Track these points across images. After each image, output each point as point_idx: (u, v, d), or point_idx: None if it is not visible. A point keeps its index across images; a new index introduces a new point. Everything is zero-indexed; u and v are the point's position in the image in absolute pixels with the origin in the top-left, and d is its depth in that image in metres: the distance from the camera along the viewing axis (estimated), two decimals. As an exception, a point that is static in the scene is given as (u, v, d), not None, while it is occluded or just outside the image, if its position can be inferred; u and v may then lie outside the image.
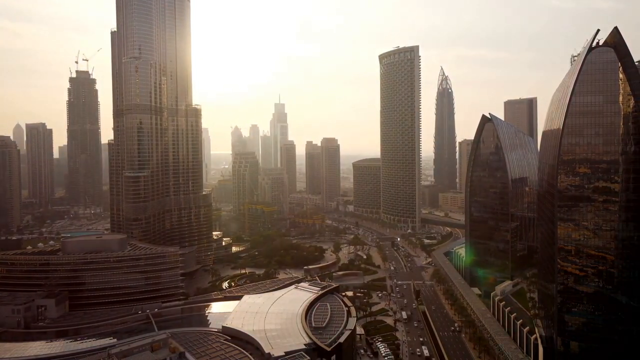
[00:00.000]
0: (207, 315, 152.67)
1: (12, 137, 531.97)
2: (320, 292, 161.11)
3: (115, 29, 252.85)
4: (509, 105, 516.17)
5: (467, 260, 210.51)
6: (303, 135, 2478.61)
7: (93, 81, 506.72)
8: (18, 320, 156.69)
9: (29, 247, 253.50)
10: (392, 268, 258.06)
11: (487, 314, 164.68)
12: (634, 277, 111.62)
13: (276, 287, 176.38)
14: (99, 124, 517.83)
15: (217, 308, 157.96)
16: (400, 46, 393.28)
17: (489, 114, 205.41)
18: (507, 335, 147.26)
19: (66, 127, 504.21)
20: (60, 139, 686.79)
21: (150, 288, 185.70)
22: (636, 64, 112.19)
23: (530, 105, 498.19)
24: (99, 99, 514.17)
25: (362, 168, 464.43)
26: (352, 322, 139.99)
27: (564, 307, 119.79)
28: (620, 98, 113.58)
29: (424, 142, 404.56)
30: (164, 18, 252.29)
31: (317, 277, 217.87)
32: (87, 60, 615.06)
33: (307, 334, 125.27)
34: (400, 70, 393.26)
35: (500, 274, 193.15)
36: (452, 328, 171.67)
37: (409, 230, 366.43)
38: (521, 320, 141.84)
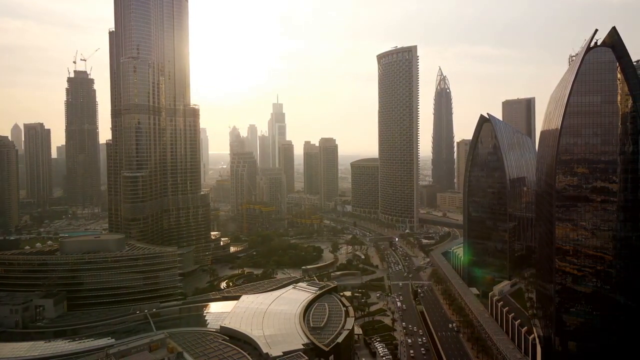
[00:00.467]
0: (205, 315, 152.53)
1: (10, 137, 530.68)
2: (319, 292, 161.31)
3: (114, 29, 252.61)
4: (507, 105, 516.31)
5: (465, 260, 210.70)
6: (301, 135, 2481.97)
7: (91, 81, 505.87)
8: (16, 320, 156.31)
9: (27, 247, 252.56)
10: (390, 268, 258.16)
11: (485, 314, 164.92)
12: (632, 277, 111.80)
13: (274, 287, 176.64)
14: (97, 124, 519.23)
15: (215, 308, 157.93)
16: (399, 46, 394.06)
17: (487, 113, 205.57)
18: (505, 335, 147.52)
19: (64, 127, 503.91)
20: (58, 139, 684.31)
21: (149, 288, 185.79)
22: (634, 63, 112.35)
23: (528, 105, 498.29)
24: (97, 99, 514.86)
25: (360, 168, 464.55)
26: (350, 322, 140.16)
27: (562, 307, 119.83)
28: (619, 98, 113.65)
29: (422, 142, 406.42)
30: (162, 18, 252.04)
31: (315, 277, 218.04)
32: (85, 60, 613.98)
33: (305, 334, 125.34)
34: (398, 70, 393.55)
35: (498, 274, 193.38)
36: (451, 325, 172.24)
37: (407, 230, 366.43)
38: (519, 320, 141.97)
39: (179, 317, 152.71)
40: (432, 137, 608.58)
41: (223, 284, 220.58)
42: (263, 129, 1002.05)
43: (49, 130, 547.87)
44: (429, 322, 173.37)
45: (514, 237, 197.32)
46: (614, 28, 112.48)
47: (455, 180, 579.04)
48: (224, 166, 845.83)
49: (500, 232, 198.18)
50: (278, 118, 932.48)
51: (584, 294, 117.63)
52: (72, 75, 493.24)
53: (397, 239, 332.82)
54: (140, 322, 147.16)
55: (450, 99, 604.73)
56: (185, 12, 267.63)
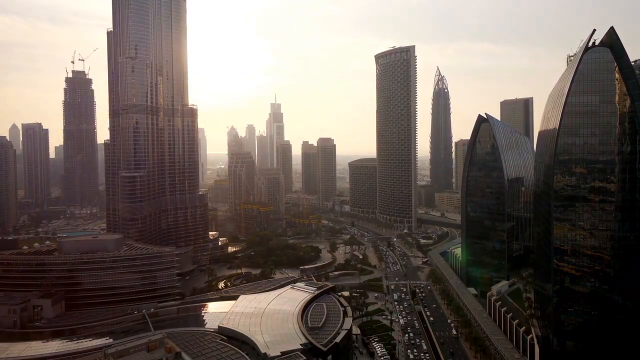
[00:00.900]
0: (203, 315, 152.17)
1: (8, 137, 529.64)
2: (317, 292, 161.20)
3: (112, 29, 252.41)
4: (505, 105, 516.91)
5: (463, 260, 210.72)
6: (299, 135, 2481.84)
7: (89, 81, 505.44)
8: (14, 320, 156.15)
9: (25, 247, 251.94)
10: (388, 268, 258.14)
11: (484, 314, 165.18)
12: (630, 277, 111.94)
13: (272, 287, 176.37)
14: (95, 124, 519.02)
15: (213, 308, 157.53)
16: (397, 46, 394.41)
17: (485, 113, 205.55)
18: (503, 335, 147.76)
19: (62, 127, 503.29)
20: (56, 139, 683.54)
21: (147, 288, 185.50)
22: (632, 63, 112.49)
23: (526, 105, 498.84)
24: (95, 99, 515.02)
25: (358, 168, 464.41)
26: (349, 322, 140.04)
27: (560, 307, 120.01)
28: (617, 98, 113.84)
29: (420, 142, 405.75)
30: (160, 18, 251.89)
31: (313, 277, 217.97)
32: (84, 60, 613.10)
33: (304, 334, 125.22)
34: (396, 70, 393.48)
35: (496, 274, 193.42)
36: (449, 322, 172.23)
37: (405, 230, 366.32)
38: (517, 320, 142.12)
39: (177, 317, 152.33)
40: (430, 137, 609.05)
41: (221, 284, 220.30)
42: (261, 129, 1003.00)
43: (47, 130, 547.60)
44: (427, 322, 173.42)
45: (512, 237, 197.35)
46: (612, 28, 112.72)
47: (454, 180, 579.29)
48: (222, 166, 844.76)
49: (499, 232, 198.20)
50: (276, 118, 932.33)
51: (582, 294, 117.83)
52: (70, 75, 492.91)
53: (395, 239, 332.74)
54: (138, 322, 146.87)
55: (448, 99, 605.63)
56: (183, 12, 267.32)
